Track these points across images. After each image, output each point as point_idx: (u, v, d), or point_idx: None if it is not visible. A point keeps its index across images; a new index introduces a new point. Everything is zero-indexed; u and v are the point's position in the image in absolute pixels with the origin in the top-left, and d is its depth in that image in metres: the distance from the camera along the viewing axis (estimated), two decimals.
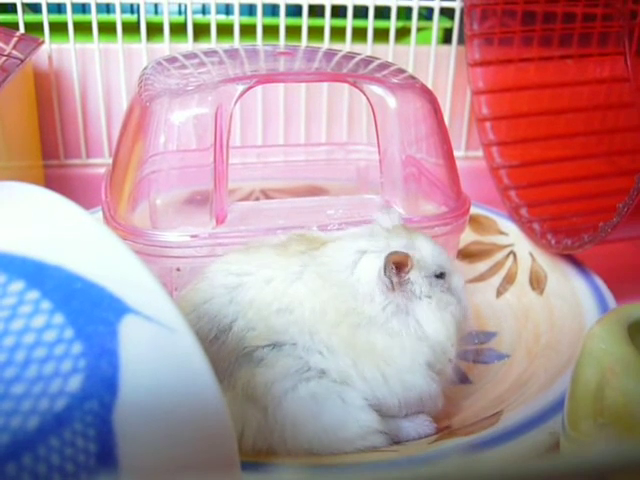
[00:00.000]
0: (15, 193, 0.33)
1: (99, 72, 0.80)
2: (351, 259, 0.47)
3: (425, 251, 0.48)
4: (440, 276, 0.48)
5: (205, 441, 0.29)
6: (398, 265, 0.45)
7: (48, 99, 0.81)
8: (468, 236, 0.71)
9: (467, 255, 0.71)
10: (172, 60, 0.59)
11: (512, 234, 0.70)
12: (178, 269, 0.52)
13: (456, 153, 0.67)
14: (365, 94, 0.56)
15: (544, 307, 0.61)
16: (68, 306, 0.28)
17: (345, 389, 0.44)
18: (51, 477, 0.25)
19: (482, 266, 0.70)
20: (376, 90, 0.56)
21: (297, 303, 0.45)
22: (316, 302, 0.45)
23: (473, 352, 0.59)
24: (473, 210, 0.68)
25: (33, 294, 0.28)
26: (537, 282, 0.65)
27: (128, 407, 0.27)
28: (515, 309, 0.64)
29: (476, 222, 0.72)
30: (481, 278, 0.69)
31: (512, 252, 0.69)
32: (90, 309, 0.28)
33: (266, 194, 0.74)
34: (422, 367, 0.46)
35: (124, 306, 0.28)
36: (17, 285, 0.28)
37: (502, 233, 0.71)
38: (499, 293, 0.67)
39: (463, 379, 0.55)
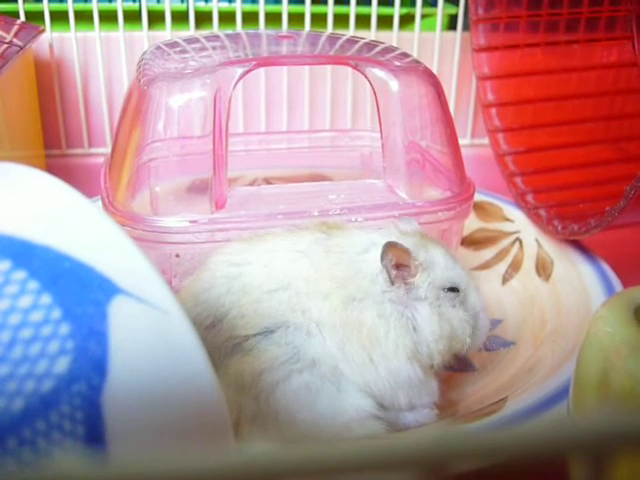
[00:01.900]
0: (6, 173, 0.32)
1: (100, 61, 0.79)
2: (364, 244, 0.46)
3: (437, 260, 0.47)
4: (452, 290, 0.47)
5: (199, 425, 0.29)
6: (398, 260, 0.45)
7: (50, 88, 0.80)
8: (473, 223, 0.70)
9: (472, 242, 0.70)
10: (172, 45, 0.59)
11: (518, 221, 0.69)
12: (177, 255, 0.51)
13: (462, 141, 0.66)
14: (367, 77, 0.55)
15: (550, 293, 0.61)
16: (56, 286, 0.27)
17: (339, 379, 0.44)
18: (37, 461, 0.24)
19: (487, 253, 0.69)
20: (378, 73, 0.55)
21: (294, 278, 0.45)
22: (313, 272, 0.45)
23: None
24: (478, 197, 0.67)
25: (20, 274, 0.27)
26: (543, 269, 0.64)
27: (118, 390, 0.26)
28: (521, 296, 0.63)
29: (481, 209, 0.71)
30: (486, 265, 0.68)
31: (518, 239, 0.68)
32: (79, 289, 0.27)
33: (269, 182, 0.73)
34: (404, 356, 0.45)
35: (114, 287, 0.28)
36: (3, 265, 0.27)
37: (508, 220, 0.70)
38: (505, 280, 0.66)
39: (468, 366, 0.55)
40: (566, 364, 0.48)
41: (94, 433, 0.25)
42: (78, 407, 0.25)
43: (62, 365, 0.26)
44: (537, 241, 0.66)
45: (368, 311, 0.44)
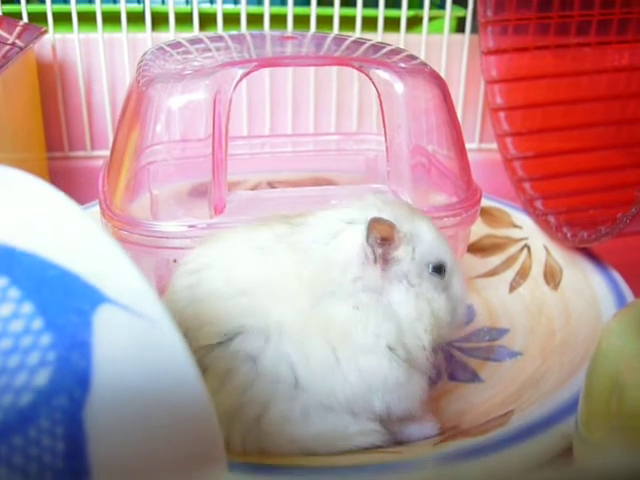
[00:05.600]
0: None
1: (104, 62, 0.78)
2: (334, 229, 0.41)
3: (425, 235, 0.42)
4: (437, 271, 0.42)
5: (189, 442, 0.27)
6: (383, 236, 0.40)
7: (52, 90, 0.80)
8: (480, 229, 0.69)
9: (479, 249, 0.68)
10: (175, 45, 0.58)
11: (526, 227, 0.68)
12: (175, 261, 0.50)
13: (470, 145, 0.65)
14: (371, 79, 0.54)
15: (559, 302, 0.59)
16: (38, 295, 0.26)
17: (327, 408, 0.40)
18: (13, 479, 0.23)
19: (495, 260, 0.67)
20: (382, 75, 0.54)
21: (253, 280, 0.40)
22: (276, 274, 0.40)
23: (484, 349, 0.57)
24: (486, 203, 0.66)
25: (0, 281, 0.26)
26: (552, 276, 0.62)
27: (101, 403, 0.25)
28: (528, 304, 0.62)
29: (489, 215, 0.70)
30: (494, 272, 0.66)
31: (526, 246, 0.67)
32: (62, 298, 0.26)
33: (272, 186, 0.72)
34: (384, 349, 0.40)
35: (100, 295, 0.26)
36: None
37: (516, 226, 0.68)
38: (512, 288, 0.64)
39: (473, 377, 0.53)
40: (575, 376, 0.46)
41: (75, 449, 0.24)
42: (58, 422, 0.24)
43: (42, 377, 0.24)
44: (546, 248, 0.65)
45: (341, 304, 0.40)
